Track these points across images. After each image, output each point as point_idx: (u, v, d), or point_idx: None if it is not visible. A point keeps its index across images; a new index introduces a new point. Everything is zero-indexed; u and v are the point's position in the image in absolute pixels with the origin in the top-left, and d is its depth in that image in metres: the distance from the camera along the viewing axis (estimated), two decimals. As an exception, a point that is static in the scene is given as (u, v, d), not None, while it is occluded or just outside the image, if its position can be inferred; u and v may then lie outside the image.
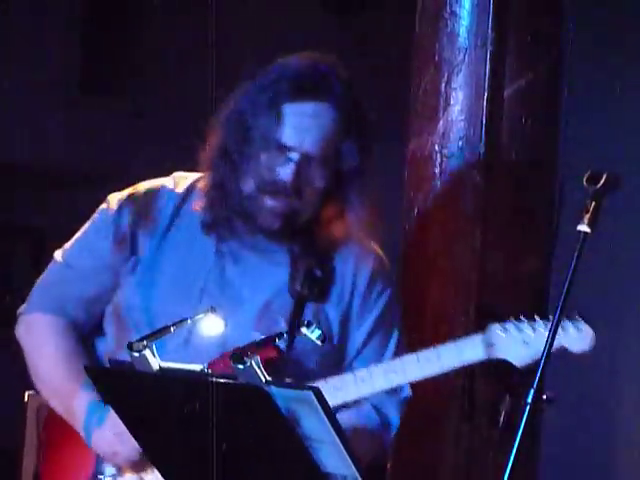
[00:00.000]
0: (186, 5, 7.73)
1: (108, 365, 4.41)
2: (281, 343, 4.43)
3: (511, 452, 3.78)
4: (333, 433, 3.74)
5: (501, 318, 5.15)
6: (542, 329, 4.46)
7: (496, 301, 5.59)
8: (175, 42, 8.21)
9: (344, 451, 3.77)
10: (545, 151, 5.63)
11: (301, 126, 4.63)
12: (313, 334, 4.12)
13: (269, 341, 4.32)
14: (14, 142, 7.59)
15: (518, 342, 4.53)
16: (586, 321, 4.52)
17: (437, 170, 5.63)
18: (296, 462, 3.85)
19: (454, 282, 5.66)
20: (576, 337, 4.43)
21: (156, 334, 4.28)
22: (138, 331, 4.49)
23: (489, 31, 5.46)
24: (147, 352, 4.20)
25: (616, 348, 7.11)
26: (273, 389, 3.85)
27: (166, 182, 4.73)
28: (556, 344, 4.19)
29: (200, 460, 4.05)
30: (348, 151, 4.62)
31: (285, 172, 4.54)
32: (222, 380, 4.03)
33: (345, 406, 4.52)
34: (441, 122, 5.56)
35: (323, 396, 3.72)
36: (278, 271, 4.64)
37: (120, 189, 4.80)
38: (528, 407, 3.81)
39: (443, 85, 5.54)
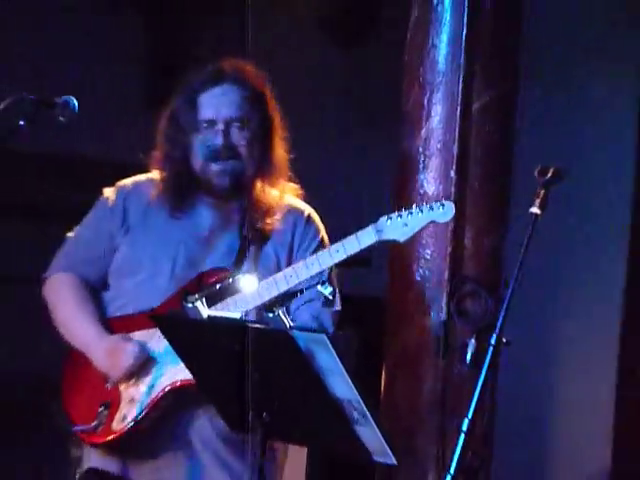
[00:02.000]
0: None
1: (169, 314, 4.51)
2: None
3: (477, 384, 3.97)
4: (340, 366, 3.74)
5: (467, 283, 5.35)
6: (415, 211, 4.44)
7: (466, 269, 5.59)
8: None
9: (349, 380, 3.75)
10: (504, 151, 5.70)
11: (216, 103, 4.71)
12: (326, 290, 4.32)
13: (213, 274, 4.67)
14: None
15: (399, 225, 4.41)
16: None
17: (421, 166, 5.65)
18: (312, 389, 3.85)
19: (434, 254, 5.61)
20: (441, 212, 4.37)
21: (204, 290, 4.44)
22: (133, 276, 4.76)
23: (462, 59, 5.49)
24: (198, 304, 4.31)
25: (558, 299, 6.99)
26: (296, 333, 3.89)
27: (144, 175, 4.88)
28: (427, 219, 4.42)
29: (238, 389, 4.01)
30: (258, 117, 4.71)
31: (217, 139, 4.64)
32: (256, 325, 4.13)
33: (288, 298, 4.41)
34: (424, 129, 5.63)
35: (332, 338, 3.75)
36: (230, 228, 4.73)
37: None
38: (491, 348, 3.97)
39: (426, 101, 5.61)
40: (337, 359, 3.71)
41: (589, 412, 7.03)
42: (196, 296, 4.36)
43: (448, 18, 5.57)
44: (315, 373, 3.77)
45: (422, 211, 4.39)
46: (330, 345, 3.70)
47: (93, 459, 4.73)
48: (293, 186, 4.83)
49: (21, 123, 4.12)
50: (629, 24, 7.04)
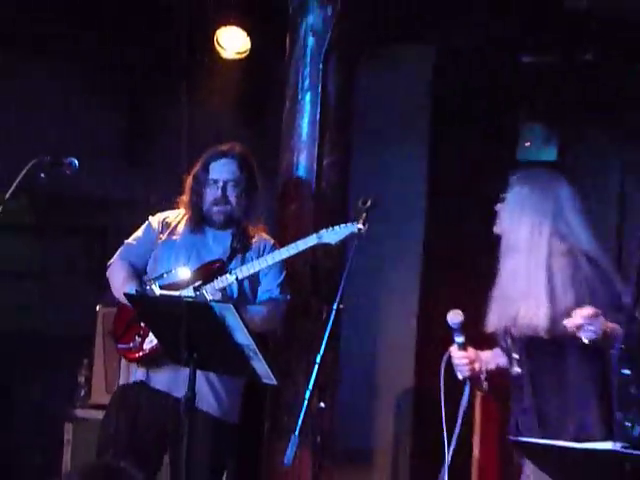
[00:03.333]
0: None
1: (134, 293, 4.56)
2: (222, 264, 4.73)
3: (325, 333, 4.02)
4: (241, 324, 3.88)
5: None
6: (341, 226, 4.49)
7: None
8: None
9: (247, 333, 3.89)
10: (343, 188, 5.59)
11: (219, 170, 4.83)
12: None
13: (214, 262, 4.74)
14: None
15: (333, 233, 4.50)
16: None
17: (292, 198, 5.56)
18: (224, 339, 3.93)
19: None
20: (353, 227, 4.40)
21: (158, 277, 4.71)
22: (159, 271, 4.79)
23: (316, 134, 5.44)
24: (154, 286, 4.66)
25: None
26: (213, 304, 4.06)
27: (174, 211, 4.95)
28: (348, 230, 4.44)
29: (179, 339, 4.04)
30: (245, 181, 4.82)
31: (218, 193, 4.80)
32: (189, 299, 4.34)
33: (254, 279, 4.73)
34: (293, 176, 5.53)
35: (236, 306, 3.90)
36: (224, 244, 4.80)
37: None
38: (334, 312, 4.03)
39: (294, 159, 5.52)
40: (239, 319, 3.87)
41: (399, 347, 6.77)
42: (152, 280, 4.69)
43: (308, 109, 5.46)
44: (226, 328, 3.91)
45: (345, 226, 4.47)
46: (235, 311, 3.86)
47: (135, 374, 4.77)
48: (262, 226, 4.92)
49: (42, 175, 4.39)
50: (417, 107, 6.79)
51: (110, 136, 6.40)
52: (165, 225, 4.95)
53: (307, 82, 5.41)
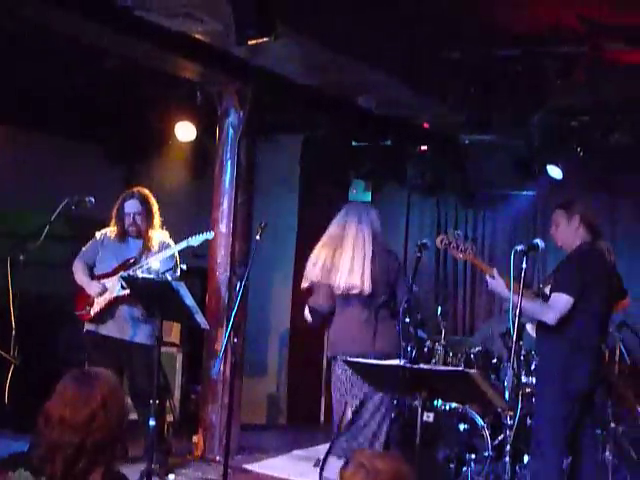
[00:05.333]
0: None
1: (127, 276, 4.34)
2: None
3: (235, 306, 3.89)
4: (187, 292, 3.83)
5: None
6: (196, 235, 4.40)
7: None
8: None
9: (189, 297, 3.84)
10: (248, 217, 5.34)
11: (130, 205, 4.54)
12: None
13: (130, 259, 4.50)
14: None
15: (195, 239, 4.39)
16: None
17: (219, 219, 5.28)
18: (176, 301, 3.86)
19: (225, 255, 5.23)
20: (199, 236, 4.37)
21: (139, 267, 4.52)
22: (102, 263, 4.58)
23: (234, 184, 5.26)
24: (138, 271, 4.48)
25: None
26: (171, 281, 4.08)
27: (108, 228, 4.65)
28: (205, 238, 4.37)
29: (148, 301, 4.02)
30: (145, 210, 4.53)
31: (131, 219, 4.52)
32: (159, 279, 4.30)
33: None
34: (219, 211, 5.29)
35: (181, 284, 3.85)
36: (137, 247, 4.54)
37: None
38: (243, 285, 3.92)
39: (222, 196, 5.29)
40: (187, 290, 3.82)
41: (280, 300, 6.57)
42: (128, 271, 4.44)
43: (229, 170, 5.26)
44: (179, 295, 3.84)
45: (202, 234, 4.35)
46: (184, 286, 3.84)
47: (86, 326, 4.58)
48: (164, 232, 4.63)
49: (72, 207, 4.46)
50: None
51: (115, 185, 5.99)
52: (106, 236, 4.64)
53: (228, 155, 5.28)
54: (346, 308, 4.06)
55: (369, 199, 6.54)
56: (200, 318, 3.95)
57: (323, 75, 5.00)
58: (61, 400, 1.89)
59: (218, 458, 4.97)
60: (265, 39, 3.57)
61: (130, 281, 4.25)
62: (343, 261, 4.00)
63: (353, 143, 6.38)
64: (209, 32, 4.22)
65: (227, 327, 4.03)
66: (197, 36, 4.33)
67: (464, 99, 4.78)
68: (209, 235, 4.44)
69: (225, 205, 5.32)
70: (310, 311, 4.16)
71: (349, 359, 3.39)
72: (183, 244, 4.44)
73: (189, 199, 6.51)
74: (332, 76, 4.99)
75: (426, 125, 6.03)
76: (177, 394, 5.72)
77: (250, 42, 3.61)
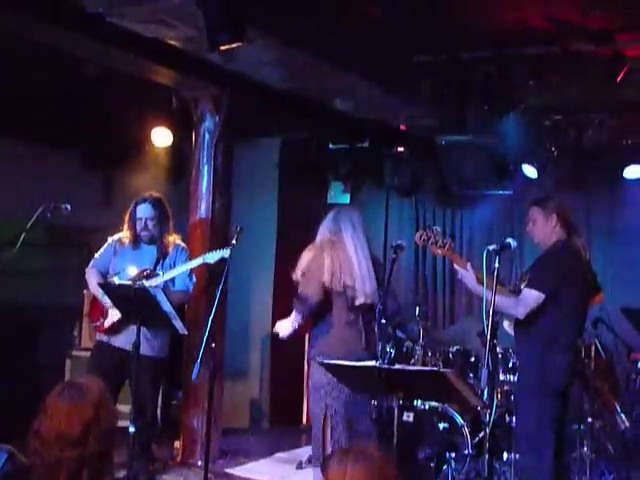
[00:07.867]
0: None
1: (103, 283, 4.39)
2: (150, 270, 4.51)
3: (212, 310, 3.77)
4: (165, 298, 3.89)
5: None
6: (213, 252, 4.23)
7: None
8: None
9: (168, 304, 3.88)
10: (226, 221, 5.35)
11: (141, 210, 4.51)
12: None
13: (146, 269, 4.48)
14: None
15: (211, 256, 4.22)
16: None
17: (197, 223, 5.33)
18: (155, 308, 3.87)
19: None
20: (215, 254, 4.22)
21: (117, 273, 4.56)
22: (116, 272, 4.61)
23: (211, 189, 5.28)
24: (115, 278, 4.52)
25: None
26: (150, 289, 4.05)
27: (121, 233, 4.64)
28: (219, 255, 4.15)
29: (131, 311, 3.99)
30: (159, 215, 4.51)
31: (142, 224, 4.50)
32: (137, 286, 4.17)
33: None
34: (197, 215, 5.33)
35: (163, 290, 3.98)
36: (152, 254, 4.54)
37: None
38: (220, 291, 3.81)
39: (199, 201, 5.31)
40: (164, 297, 3.87)
41: (262, 305, 6.55)
42: (114, 276, 4.49)
43: (206, 175, 5.29)
44: (156, 302, 3.87)
45: (218, 251, 4.19)
46: (162, 292, 3.90)
47: (98, 336, 4.58)
48: (176, 235, 4.61)
49: (48, 215, 4.20)
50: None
51: (92, 192, 6.09)
52: (118, 242, 4.63)
53: (205, 159, 5.26)
54: (350, 316, 4.05)
55: (347, 201, 6.55)
56: (178, 324, 3.93)
57: (298, 78, 5.01)
58: (55, 417, 1.88)
59: (200, 463, 4.93)
60: (237, 44, 3.56)
61: (108, 288, 4.22)
62: (361, 271, 3.99)
63: (330, 146, 6.40)
64: (182, 38, 4.22)
65: (205, 332, 3.93)
66: (171, 42, 4.33)
67: (438, 101, 4.80)
68: (225, 252, 4.11)
69: (203, 209, 5.31)
70: (298, 300, 4.10)
71: (325, 361, 3.37)
72: (199, 260, 4.31)
73: (167, 204, 6.52)
74: (307, 79, 5.00)
75: (403, 127, 6.06)
76: (158, 400, 5.56)
77: (222, 48, 3.60)
